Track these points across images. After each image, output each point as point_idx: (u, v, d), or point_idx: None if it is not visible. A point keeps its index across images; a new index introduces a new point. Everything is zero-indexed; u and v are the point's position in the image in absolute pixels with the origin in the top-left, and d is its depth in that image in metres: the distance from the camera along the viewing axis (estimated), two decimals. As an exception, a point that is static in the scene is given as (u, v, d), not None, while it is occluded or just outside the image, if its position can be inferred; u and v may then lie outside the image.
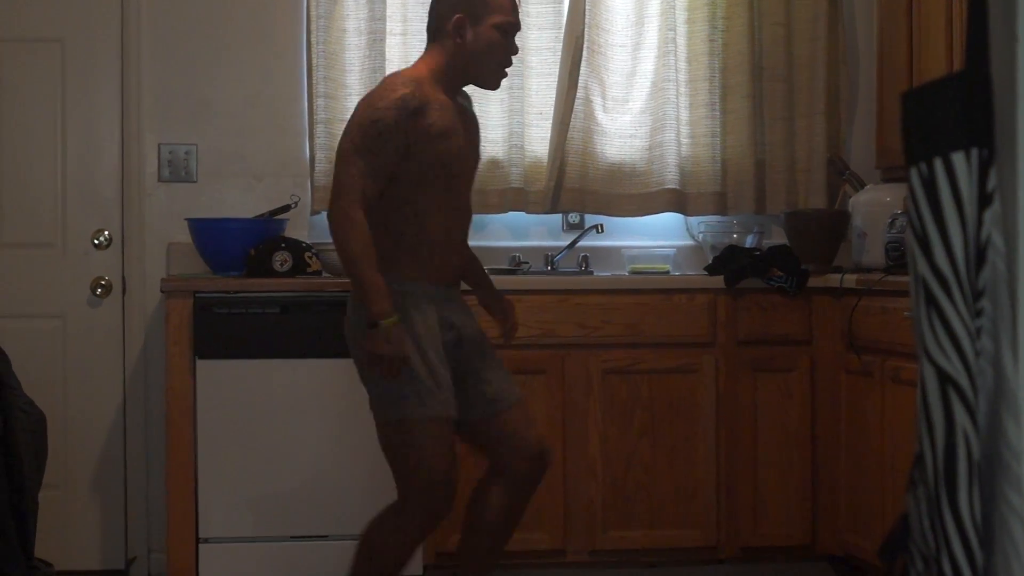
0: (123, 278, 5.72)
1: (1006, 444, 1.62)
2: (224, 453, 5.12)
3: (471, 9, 4.05)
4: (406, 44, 5.80)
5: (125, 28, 5.72)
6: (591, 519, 5.32)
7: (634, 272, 5.71)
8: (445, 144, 4.02)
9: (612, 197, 5.92)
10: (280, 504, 5.16)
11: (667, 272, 5.73)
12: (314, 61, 5.75)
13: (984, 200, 1.69)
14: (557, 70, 5.85)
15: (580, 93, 5.83)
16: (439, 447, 3.96)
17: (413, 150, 3.94)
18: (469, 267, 4.35)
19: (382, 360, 3.86)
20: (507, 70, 4.18)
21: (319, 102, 5.74)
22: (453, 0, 4.07)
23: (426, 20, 4.20)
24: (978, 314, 1.68)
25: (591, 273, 5.83)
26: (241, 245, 5.38)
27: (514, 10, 4.13)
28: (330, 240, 5.62)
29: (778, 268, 5.40)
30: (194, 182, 5.81)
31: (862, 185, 5.70)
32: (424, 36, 4.24)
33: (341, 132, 5.61)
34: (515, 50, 4.15)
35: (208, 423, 5.12)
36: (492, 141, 5.82)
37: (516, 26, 4.14)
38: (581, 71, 5.82)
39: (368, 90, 5.70)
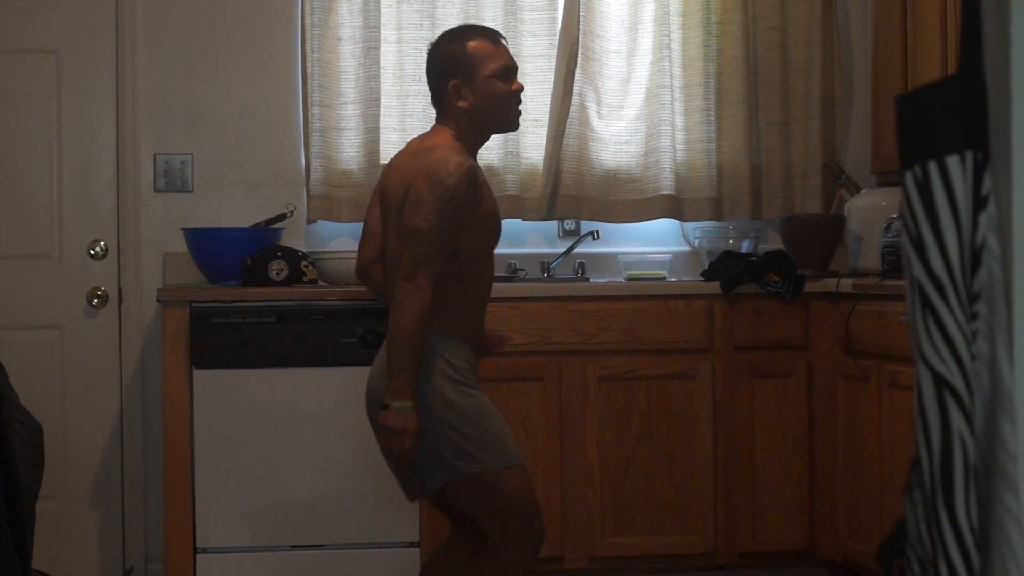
0: (119, 288, 5.72)
1: (1002, 447, 1.62)
2: (221, 463, 5.12)
3: (460, 71, 4.02)
4: (401, 52, 5.80)
5: (120, 39, 5.73)
6: (589, 526, 5.32)
7: (630, 278, 5.71)
8: (497, 216, 4.08)
9: (608, 203, 5.92)
10: (277, 514, 5.15)
11: (663, 278, 5.72)
12: (309, 70, 5.75)
13: (979, 203, 1.69)
14: (552, 77, 5.85)
15: (575, 99, 5.84)
16: (529, 483, 4.04)
17: (472, 222, 3.94)
18: None
19: (395, 436, 3.84)
20: (520, 107, 4.15)
21: (314, 111, 5.74)
22: (441, 68, 4.05)
23: (426, 64, 4.16)
24: (974, 317, 1.68)
25: (587, 280, 5.83)
26: (237, 254, 5.37)
27: (502, 53, 4.08)
28: (325, 248, 5.66)
29: (774, 273, 5.41)
30: (190, 192, 5.81)
31: (858, 189, 5.70)
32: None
33: (337, 141, 5.69)
34: (519, 87, 4.11)
35: (205, 433, 5.11)
36: (488, 148, 5.80)
37: (512, 67, 4.11)
38: (576, 77, 5.82)
39: (363, 99, 5.72)
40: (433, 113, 4.14)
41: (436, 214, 3.84)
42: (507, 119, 4.12)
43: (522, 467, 4.01)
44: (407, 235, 3.88)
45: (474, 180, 3.90)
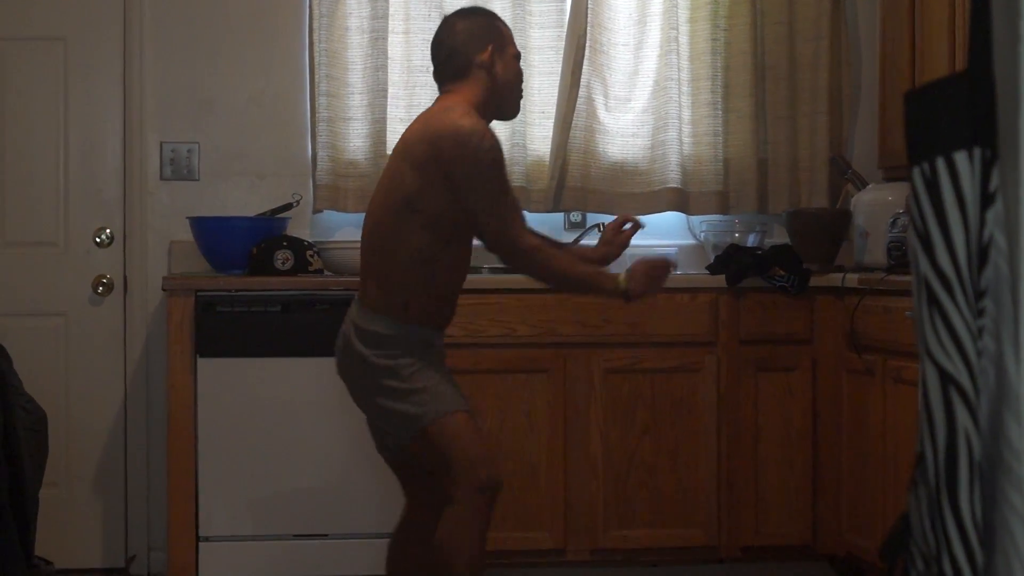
0: (125, 276, 5.73)
1: (1007, 444, 1.62)
2: (225, 451, 5.12)
3: (497, 40, 4.06)
4: (408, 42, 5.80)
5: (127, 26, 5.73)
6: (592, 518, 5.32)
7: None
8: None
9: (614, 196, 5.92)
10: (280, 503, 5.16)
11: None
12: (316, 59, 5.75)
13: (986, 200, 1.68)
14: (559, 69, 5.85)
15: (582, 92, 5.83)
16: (478, 429, 4.02)
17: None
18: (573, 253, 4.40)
19: (657, 282, 4.08)
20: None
21: (321, 100, 5.75)
22: (477, 34, 4.05)
23: (433, 67, 4.14)
24: (980, 314, 1.68)
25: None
26: (243, 243, 5.38)
27: (513, 39, 4.19)
28: (331, 238, 5.66)
29: (780, 267, 5.40)
30: (196, 180, 5.81)
31: (864, 184, 5.70)
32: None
33: (344, 131, 5.68)
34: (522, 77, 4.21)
35: (209, 421, 5.12)
36: (494, 140, 5.82)
37: (520, 55, 4.19)
38: (583, 70, 5.82)
39: (370, 89, 5.72)
40: None
41: (491, 182, 3.89)
42: (517, 102, 4.17)
43: (465, 412, 3.96)
44: (482, 218, 3.92)
45: (495, 136, 3.93)
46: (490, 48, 4.02)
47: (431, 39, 4.16)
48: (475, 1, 5.72)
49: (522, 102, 5.79)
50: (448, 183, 3.87)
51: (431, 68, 4.17)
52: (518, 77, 4.11)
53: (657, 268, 4.09)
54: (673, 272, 4.20)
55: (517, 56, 4.11)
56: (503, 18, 4.25)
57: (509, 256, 4.00)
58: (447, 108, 3.98)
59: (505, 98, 4.10)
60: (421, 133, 3.96)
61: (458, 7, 5.66)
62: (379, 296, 3.96)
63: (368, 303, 3.98)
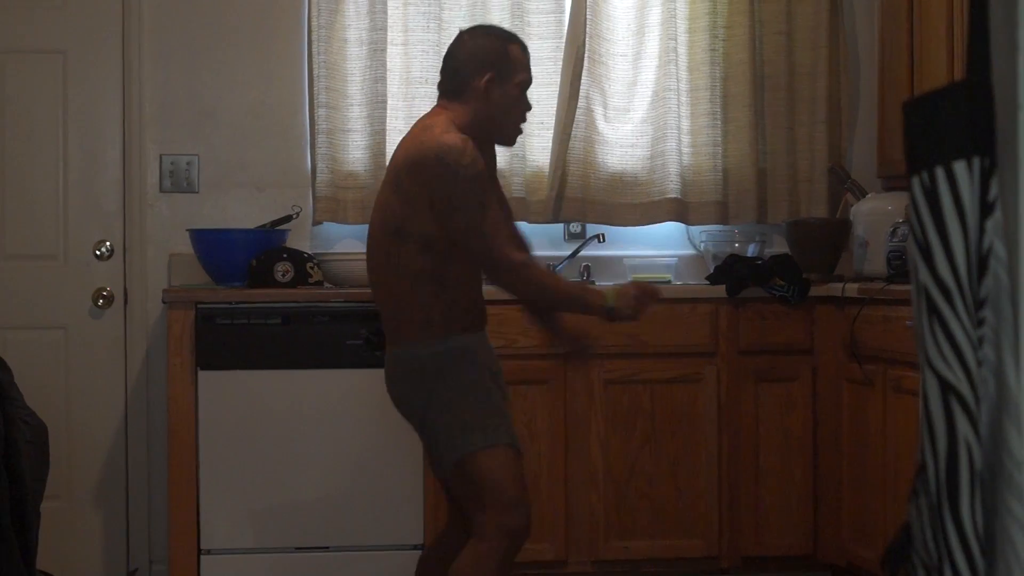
0: (125, 289, 5.73)
1: (1008, 453, 1.62)
2: (226, 464, 5.12)
3: (500, 67, 3.99)
4: (407, 54, 5.80)
5: (126, 39, 5.73)
6: (593, 529, 5.32)
7: (636, 281, 5.71)
8: (495, 191, 4.10)
9: (613, 206, 5.92)
10: (282, 515, 5.16)
11: (668, 281, 5.73)
12: (315, 71, 5.76)
13: (986, 209, 1.69)
14: (558, 80, 5.86)
15: (581, 103, 5.84)
16: (519, 470, 3.96)
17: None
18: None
19: (643, 307, 4.03)
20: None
21: (320, 112, 5.75)
22: (481, 57, 4.00)
23: (442, 71, 4.11)
24: (980, 323, 1.68)
25: (593, 283, 5.83)
26: (243, 256, 5.38)
27: (528, 67, 4.10)
28: (331, 250, 5.66)
29: (780, 277, 5.40)
30: (195, 193, 5.81)
31: (863, 194, 5.70)
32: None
33: (343, 143, 5.68)
34: (530, 106, 4.13)
35: (210, 434, 5.11)
36: (493, 151, 5.83)
37: (530, 83, 4.11)
38: (582, 81, 5.82)
39: (369, 101, 5.72)
40: None
41: (473, 191, 3.83)
42: (513, 131, 4.11)
43: (509, 448, 3.93)
44: (463, 237, 3.87)
45: (475, 150, 3.87)
46: (489, 75, 3.97)
47: (436, 55, 4.15)
48: (474, 14, 5.74)
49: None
50: (432, 205, 3.86)
51: (436, 78, 4.16)
52: (517, 107, 4.04)
53: (646, 294, 4.05)
54: (659, 300, 4.15)
55: (522, 84, 4.04)
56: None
57: (494, 273, 3.94)
58: (428, 127, 3.97)
59: (499, 126, 4.05)
60: (404, 159, 3.93)
61: (455, 19, 5.68)
62: (403, 327, 3.95)
63: (398, 341, 3.98)
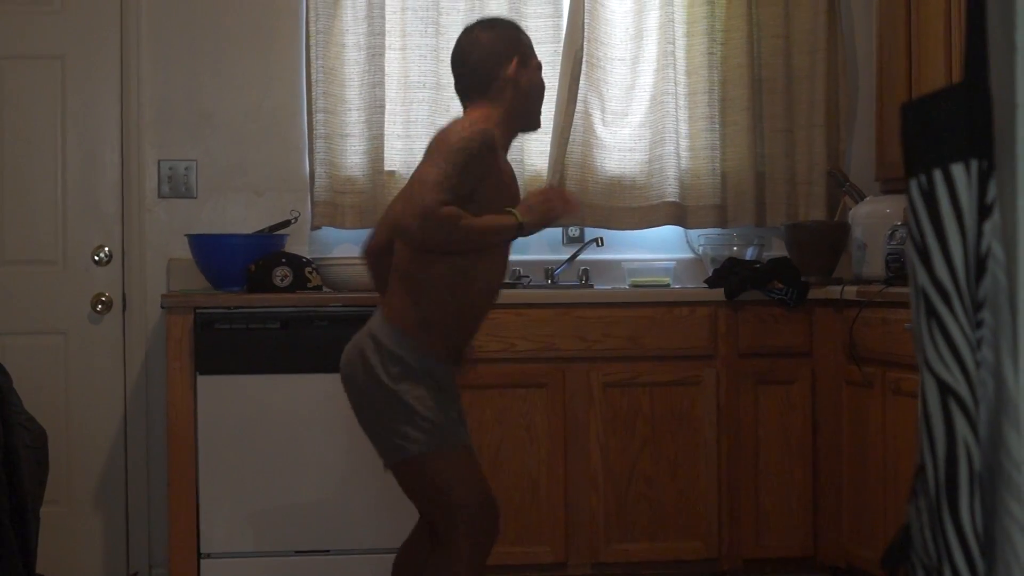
0: (124, 294, 5.73)
1: (1007, 454, 1.63)
2: (225, 468, 5.12)
3: (520, 53, 3.98)
4: (405, 59, 5.80)
5: (125, 44, 5.73)
6: (593, 531, 5.32)
7: (634, 285, 5.72)
8: (512, 187, 3.98)
9: (612, 210, 5.92)
10: (281, 519, 5.16)
11: (667, 285, 5.73)
12: (313, 76, 5.76)
13: (984, 211, 1.69)
14: (556, 84, 5.86)
15: (579, 107, 5.84)
16: (475, 471, 3.90)
17: (481, 188, 3.80)
18: None
19: (557, 209, 3.89)
20: None
21: (318, 117, 5.75)
22: (500, 49, 3.97)
23: (454, 79, 4.05)
24: (978, 325, 1.68)
25: (591, 286, 5.83)
26: (241, 260, 5.38)
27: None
28: (330, 255, 5.66)
29: (778, 280, 5.41)
30: (194, 198, 5.81)
31: (862, 197, 5.70)
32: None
33: (341, 147, 5.69)
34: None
35: (209, 438, 5.11)
36: (492, 155, 5.83)
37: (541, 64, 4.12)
38: (580, 85, 5.82)
39: (367, 105, 5.73)
40: (436, 120, 4.09)
41: (446, 160, 3.72)
42: (539, 114, 4.08)
43: (468, 450, 3.88)
44: (414, 184, 3.75)
45: (490, 139, 3.80)
46: (515, 61, 3.95)
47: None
48: (471, 18, 5.74)
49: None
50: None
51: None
52: (541, 88, 4.04)
53: (550, 197, 3.91)
54: (570, 202, 3.95)
55: (539, 67, 4.04)
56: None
57: (420, 219, 3.66)
58: (457, 119, 3.95)
59: (530, 111, 4.02)
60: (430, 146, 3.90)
61: (452, 24, 5.68)
62: (399, 311, 3.87)
63: (388, 318, 3.89)
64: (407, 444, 3.81)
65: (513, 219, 3.83)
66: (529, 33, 5.75)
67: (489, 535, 3.87)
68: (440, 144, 3.81)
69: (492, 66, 3.96)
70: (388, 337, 3.85)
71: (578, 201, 4.02)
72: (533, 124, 4.09)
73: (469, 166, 3.75)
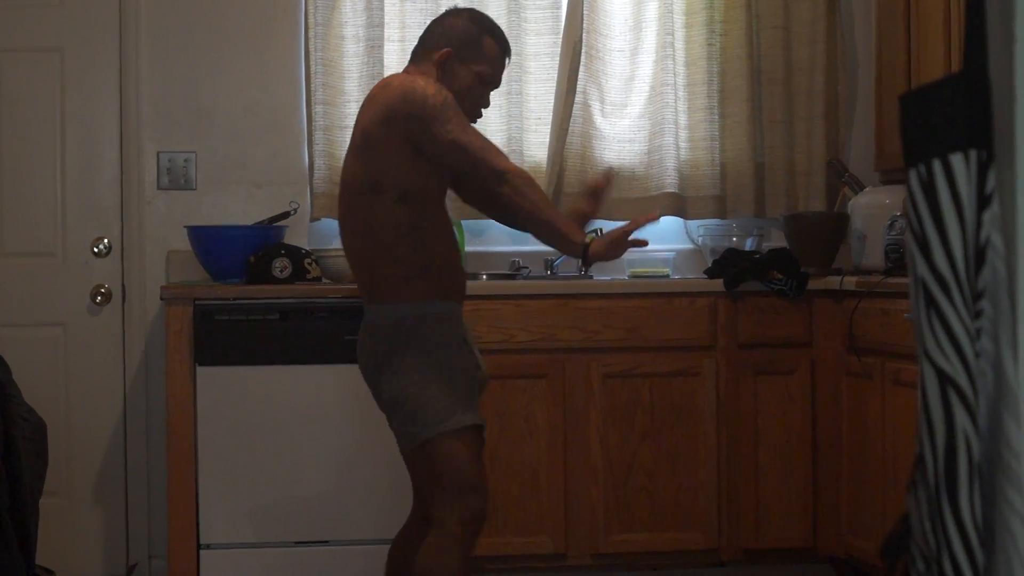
0: (123, 286, 5.73)
1: (1007, 445, 1.63)
2: (225, 459, 5.12)
3: (461, 47, 4.01)
4: (404, 51, 5.79)
5: (124, 37, 5.73)
6: (593, 522, 5.32)
7: (634, 276, 5.72)
8: None
9: (611, 201, 5.91)
10: (281, 510, 5.16)
11: (667, 276, 5.73)
12: (312, 68, 5.75)
13: (983, 201, 1.69)
14: (555, 75, 5.85)
15: (579, 98, 5.84)
16: (476, 454, 3.93)
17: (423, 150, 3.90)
18: None
19: (620, 250, 3.97)
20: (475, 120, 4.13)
21: (318, 109, 5.75)
22: (450, 34, 4.03)
23: (423, 30, 4.15)
24: (978, 315, 1.68)
25: (591, 277, 5.83)
26: (241, 252, 5.38)
27: (500, 66, 4.09)
28: (329, 246, 5.65)
29: (778, 271, 5.40)
30: (193, 190, 5.81)
31: (861, 187, 5.70)
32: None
33: (340, 139, 5.68)
34: (487, 103, 4.11)
35: (209, 430, 5.12)
36: (491, 146, 5.83)
37: (497, 83, 4.11)
38: (579, 76, 5.82)
39: (362, 96, 5.72)
40: None
41: (449, 117, 3.82)
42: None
43: (475, 431, 3.90)
44: (454, 151, 3.85)
45: (438, 84, 3.88)
46: (447, 50, 4.00)
47: None
48: (475, 6, 5.74)
49: (517, 110, 5.83)
50: (411, 146, 3.84)
51: None
52: (468, 93, 4.02)
53: (623, 238, 3.96)
54: (638, 246, 4.04)
55: (480, 75, 4.03)
56: (500, 25, 4.21)
57: (493, 177, 3.85)
58: (385, 83, 4.01)
59: None
60: (370, 117, 3.93)
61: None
62: (380, 286, 3.91)
63: (372, 296, 3.94)
64: (417, 431, 3.86)
65: (582, 237, 3.92)
66: (528, 24, 5.83)
67: (479, 519, 3.91)
68: (421, 104, 3.84)
69: (432, 43, 4.05)
70: (383, 316, 3.91)
71: (651, 219, 4.08)
72: None
73: (459, 110, 3.88)
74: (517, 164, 4.16)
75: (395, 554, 4.23)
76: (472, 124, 3.97)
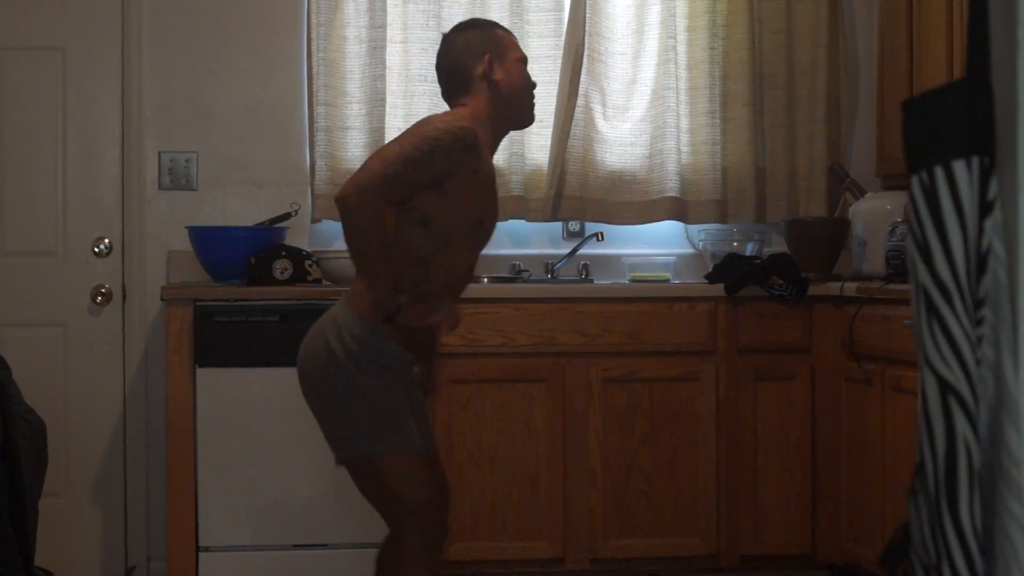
0: (123, 286, 5.72)
1: (1007, 452, 1.62)
2: (224, 461, 5.12)
3: (494, 48, 3.99)
4: (406, 52, 5.80)
5: (126, 36, 5.73)
6: (592, 527, 5.32)
7: (634, 280, 5.71)
8: (487, 193, 3.95)
9: (612, 205, 5.92)
10: (280, 512, 5.16)
11: (667, 280, 5.73)
12: (314, 69, 5.75)
13: (985, 208, 1.68)
14: (557, 78, 5.85)
15: (580, 101, 5.84)
16: (423, 472, 3.89)
17: (449, 185, 3.81)
18: None
19: (441, 321, 3.85)
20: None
21: (319, 110, 5.75)
22: (473, 48, 3.99)
23: (439, 79, 4.07)
24: (979, 322, 1.68)
25: (591, 281, 5.83)
26: (241, 253, 5.38)
27: (519, 46, 4.10)
28: (330, 248, 5.65)
29: (778, 276, 5.40)
30: (194, 190, 5.81)
31: (862, 193, 5.70)
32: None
33: (342, 140, 5.69)
34: (535, 83, 4.10)
35: (208, 431, 5.11)
36: (492, 149, 5.83)
37: (527, 61, 4.10)
38: (581, 79, 5.82)
39: (368, 98, 5.73)
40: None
41: (410, 145, 3.75)
42: (529, 107, 4.07)
43: (416, 453, 3.85)
44: (373, 156, 3.79)
45: (468, 138, 3.79)
46: (487, 58, 3.96)
47: (435, 53, 4.11)
48: (473, 12, 5.74)
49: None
50: (431, 180, 3.80)
51: (433, 78, 4.14)
52: (524, 81, 4.02)
53: (432, 315, 3.84)
54: (446, 328, 3.93)
55: (521, 61, 4.03)
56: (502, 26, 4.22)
57: (349, 194, 3.69)
58: (446, 111, 3.98)
59: (513, 105, 4.00)
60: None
61: (454, 17, 5.67)
62: (364, 293, 3.86)
63: (354, 302, 3.87)
64: (360, 438, 3.84)
65: (395, 300, 3.77)
66: (530, 27, 5.82)
67: (439, 530, 3.89)
68: (417, 127, 3.84)
69: (466, 66, 3.98)
70: (352, 323, 3.85)
71: (456, 322, 3.93)
72: (522, 119, 4.08)
73: (434, 158, 3.76)
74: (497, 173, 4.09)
75: (382, 558, 4.23)
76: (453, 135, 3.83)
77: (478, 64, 3.97)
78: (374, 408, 3.82)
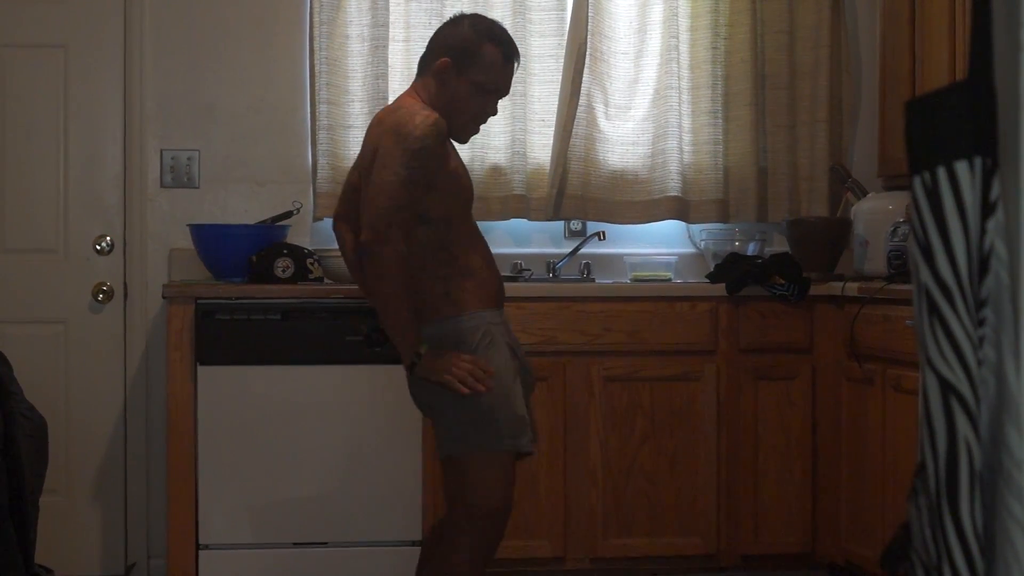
0: (125, 284, 5.72)
1: (1008, 453, 1.62)
2: (225, 459, 5.12)
3: (458, 57, 3.97)
4: (408, 50, 5.80)
5: (128, 34, 5.73)
6: (592, 526, 5.32)
7: (636, 280, 5.71)
8: (464, 175, 4.02)
9: (614, 204, 5.92)
10: (280, 511, 5.16)
11: (669, 280, 5.73)
12: (317, 67, 5.75)
13: (987, 209, 1.68)
14: (559, 77, 5.85)
15: (582, 100, 5.84)
16: (511, 478, 3.95)
17: (439, 180, 3.87)
18: None
19: (444, 375, 3.83)
20: (477, 129, 4.12)
21: (322, 108, 5.75)
22: (449, 43, 4.01)
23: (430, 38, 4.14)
24: (981, 323, 1.68)
25: (593, 280, 5.83)
26: (243, 251, 5.38)
27: (505, 74, 4.03)
28: (331, 246, 5.65)
29: (780, 276, 5.40)
30: (196, 188, 5.81)
31: (864, 193, 5.70)
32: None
33: (344, 139, 5.68)
34: (493, 111, 4.06)
35: (209, 429, 5.11)
36: (494, 148, 5.83)
37: (501, 90, 4.05)
38: (584, 78, 5.82)
39: (370, 97, 5.72)
40: None
41: (404, 167, 3.78)
42: (460, 129, 4.04)
43: (510, 455, 3.91)
44: (373, 189, 3.81)
45: (442, 126, 3.84)
46: (445, 60, 3.97)
47: None
48: (476, 10, 5.73)
49: (521, 112, 5.82)
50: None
51: None
52: (460, 103, 3.97)
53: (462, 368, 3.84)
54: (476, 382, 3.86)
55: (478, 85, 3.98)
56: (504, 27, 4.20)
57: (373, 238, 3.76)
58: (396, 108, 4.00)
59: (450, 116, 3.95)
60: (374, 135, 3.96)
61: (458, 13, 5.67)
62: (423, 307, 3.90)
63: (420, 316, 3.90)
64: (459, 440, 3.89)
65: (416, 348, 3.84)
66: (532, 26, 5.82)
67: (496, 539, 3.95)
68: (395, 137, 3.83)
69: (433, 52, 4.04)
70: (440, 333, 3.90)
71: (485, 384, 3.87)
72: (452, 132, 4.02)
73: (428, 165, 3.82)
74: (490, 181, 4.16)
75: (426, 548, 4.25)
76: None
77: (437, 59, 4.00)
78: (471, 400, 3.87)
